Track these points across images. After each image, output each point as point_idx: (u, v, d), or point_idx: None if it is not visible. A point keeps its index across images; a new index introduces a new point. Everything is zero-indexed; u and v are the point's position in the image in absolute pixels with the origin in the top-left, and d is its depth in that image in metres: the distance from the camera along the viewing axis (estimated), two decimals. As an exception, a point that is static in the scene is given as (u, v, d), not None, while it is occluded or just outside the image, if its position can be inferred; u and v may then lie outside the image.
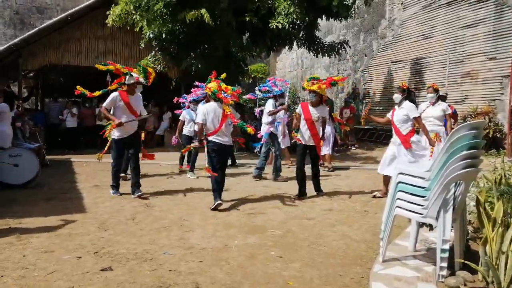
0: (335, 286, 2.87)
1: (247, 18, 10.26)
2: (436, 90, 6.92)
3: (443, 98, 7.25)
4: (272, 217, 4.73)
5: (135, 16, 10.17)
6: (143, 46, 11.42)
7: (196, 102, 7.72)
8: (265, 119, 7.42)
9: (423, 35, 12.94)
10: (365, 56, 15.88)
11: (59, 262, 3.24)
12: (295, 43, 12.06)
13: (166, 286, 2.85)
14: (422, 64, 13.05)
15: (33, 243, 3.68)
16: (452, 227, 2.98)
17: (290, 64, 21.35)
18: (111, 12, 10.45)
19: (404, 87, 5.63)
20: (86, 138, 12.74)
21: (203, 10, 9.47)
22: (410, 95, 5.69)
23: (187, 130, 7.91)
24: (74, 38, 12.33)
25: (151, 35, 10.67)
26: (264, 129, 7.35)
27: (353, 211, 5.07)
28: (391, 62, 14.42)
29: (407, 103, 5.52)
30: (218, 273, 3.08)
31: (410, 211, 3.10)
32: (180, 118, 8.11)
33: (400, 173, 3.24)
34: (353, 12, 11.59)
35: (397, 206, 3.19)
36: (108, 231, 4.13)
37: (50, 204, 5.23)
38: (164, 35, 10.51)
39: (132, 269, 3.15)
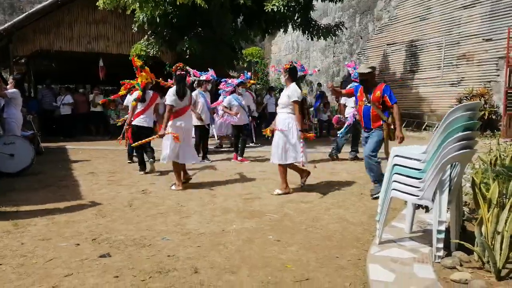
0: (332, 268, 2.90)
1: (241, 1, 10.11)
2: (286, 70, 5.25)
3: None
4: (269, 202, 4.75)
5: (126, -2, 9.99)
6: (136, 30, 11.26)
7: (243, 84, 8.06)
8: (350, 103, 7.48)
9: (419, 16, 12.84)
10: (361, 38, 15.77)
11: (57, 249, 3.25)
12: (290, 26, 11.93)
13: (165, 271, 2.87)
14: (418, 46, 12.99)
15: (31, 231, 3.67)
16: (448, 208, 3.00)
17: (286, 48, 21.18)
18: (102, -5, 10.25)
19: (286, 68, 5.14)
20: (81, 124, 12.67)
21: (195, -7, 9.31)
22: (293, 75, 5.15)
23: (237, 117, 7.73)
24: (65, 23, 12.13)
25: (144, 19, 10.50)
26: (349, 113, 7.58)
27: (350, 194, 5.11)
28: (387, 45, 14.34)
29: (292, 85, 5.04)
30: (217, 258, 3.10)
31: (406, 193, 3.12)
32: (225, 104, 7.87)
33: (396, 155, 3.24)
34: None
35: (393, 189, 3.20)
36: (106, 217, 4.13)
37: (46, 192, 5.21)
38: (157, 19, 10.35)
39: (131, 255, 3.16)
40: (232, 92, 8.03)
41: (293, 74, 5.14)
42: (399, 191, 3.16)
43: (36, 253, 3.16)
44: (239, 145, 7.75)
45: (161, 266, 2.95)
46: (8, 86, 6.86)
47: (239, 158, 7.68)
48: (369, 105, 4.80)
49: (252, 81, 11.19)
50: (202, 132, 7.63)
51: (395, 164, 3.22)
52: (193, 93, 7.68)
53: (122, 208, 4.51)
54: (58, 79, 16.08)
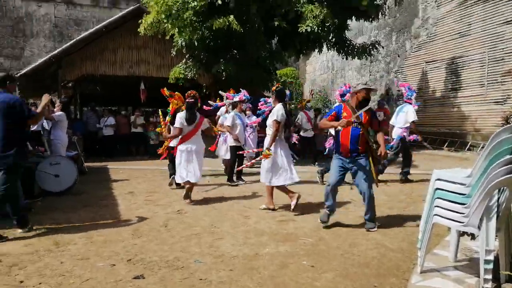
0: (370, 298, 2.76)
1: (276, 23, 10.25)
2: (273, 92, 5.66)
3: None
4: (304, 224, 4.64)
5: (166, 24, 10.41)
6: (174, 54, 11.66)
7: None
8: (401, 123, 7.46)
9: (459, 33, 12.45)
10: (398, 56, 15.47)
11: (94, 269, 3.31)
12: (324, 46, 11.92)
13: (197, 295, 2.85)
14: (459, 63, 12.54)
15: (70, 250, 3.78)
16: (496, 236, 2.80)
17: (320, 67, 21.15)
18: (143, 21, 10.75)
19: (273, 90, 5.45)
20: (122, 145, 13.14)
21: (231, 18, 9.55)
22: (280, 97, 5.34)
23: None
24: (109, 49, 12.78)
25: (182, 43, 10.88)
26: (398, 133, 7.47)
27: (389, 218, 4.90)
28: (426, 62, 13.97)
29: (277, 106, 5.27)
30: (249, 283, 3.04)
31: (449, 219, 2.94)
32: (228, 124, 7.83)
33: (438, 179, 3.08)
34: (384, 12, 11.32)
35: (435, 214, 3.04)
36: (142, 238, 4.19)
37: (87, 211, 5.38)
38: (195, 43, 10.70)
39: (164, 277, 3.16)
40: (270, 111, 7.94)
41: (280, 95, 5.36)
42: (441, 216, 2.99)
43: (74, 272, 3.24)
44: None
45: (193, 289, 2.93)
46: (55, 109, 7.26)
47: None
48: (359, 127, 4.42)
49: (306, 100, 11.31)
50: (237, 153, 7.65)
51: (437, 188, 3.06)
52: (229, 115, 7.79)
53: (157, 228, 4.56)
54: (102, 102, 16.87)
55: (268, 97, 8.86)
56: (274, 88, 5.54)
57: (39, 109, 4.65)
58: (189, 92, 5.99)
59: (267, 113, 7.89)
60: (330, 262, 3.46)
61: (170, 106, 6.84)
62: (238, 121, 7.80)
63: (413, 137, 7.53)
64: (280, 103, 5.30)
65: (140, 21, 10.93)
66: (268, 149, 5.16)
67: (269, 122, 5.29)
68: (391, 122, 7.91)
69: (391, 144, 7.46)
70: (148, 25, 10.74)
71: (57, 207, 5.60)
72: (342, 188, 6.51)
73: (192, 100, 5.88)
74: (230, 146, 7.71)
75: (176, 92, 6.98)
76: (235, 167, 7.61)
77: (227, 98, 8.27)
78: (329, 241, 4.02)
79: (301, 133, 10.53)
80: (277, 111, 5.19)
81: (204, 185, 7.35)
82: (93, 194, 6.54)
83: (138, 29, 10.95)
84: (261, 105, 8.30)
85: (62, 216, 5.07)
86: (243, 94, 8.06)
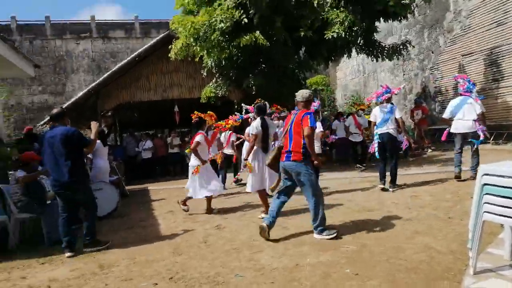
0: (420, 305, 2.59)
1: (302, 33, 10.23)
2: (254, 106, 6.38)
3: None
4: (345, 231, 4.48)
5: (195, 47, 10.67)
6: (205, 74, 11.90)
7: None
8: (468, 114, 6.76)
9: (496, 22, 11.86)
10: (432, 53, 14.95)
11: (137, 289, 3.35)
12: (353, 50, 11.73)
13: (238, 309, 2.79)
14: (499, 53, 11.91)
15: (114, 272, 3.86)
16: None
17: (351, 72, 20.82)
18: (173, 46, 11.08)
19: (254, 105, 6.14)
20: (161, 166, 13.46)
21: (257, 33, 9.65)
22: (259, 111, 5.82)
23: None
24: (143, 76, 13.26)
25: (212, 63, 11.09)
26: (469, 125, 6.76)
27: (435, 219, 4.64)
28: (462, 56, 13.38)
29: (256, 120, 5.79)
30: (291, 294, 2.96)
31: (502, 215, 2.73)
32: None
33: (485, 174, 2.88)
34: (412, 10, 11.00)
35: (485, 211, 2.83)
36: (182, 255, 4.21)
37: (129, 233, 5.51)
38: (223, 62, 10.88)
39: (205, 293, 3.14)
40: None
41: (259, 110, 5.81)
42: (493, 213, 2.78)
43: (118, 293, 3.29)
44: None
45: (234, 304, 2.88)
46: None
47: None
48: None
49: (362, 106, 11.25)
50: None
51: (485, 184, 2.86)
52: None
53: (197, 244, 4.58)
54: (139, 127, 17.49)
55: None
56: (255, 103, 6.13)
57: (92, 136, 5.00)
58: (195, 113, 6.82)
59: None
60: (375, 268, 3.30)
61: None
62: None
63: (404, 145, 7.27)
64: (259, 117, 5.73)
65: (170, 46, 11.29)
66: (245, 159, 5.75)
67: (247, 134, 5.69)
68: (445, 116, 7.23)
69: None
70: (178, 50, 11.05)
71: (101, 230, 5.75)
72: (384, 192, 6.31)
73: (198, 119, 6.66)
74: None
75: (209, 112, 7.26)
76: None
77: (249, 111, 8.33)
78: (372, 247, 3.85)
79: (350, 138, 10.75)
80: (255, 125, 5.66)
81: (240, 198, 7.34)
82: (134, 216, 6.70)
83: (169, 54, 11.31)
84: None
85: (105, 239, 5.20)
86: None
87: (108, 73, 13.17)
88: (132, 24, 22.90)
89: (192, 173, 6.28)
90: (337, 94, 22.05)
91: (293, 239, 4.39)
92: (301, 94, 4.64)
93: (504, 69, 11.76)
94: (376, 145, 6.81)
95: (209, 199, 6.38)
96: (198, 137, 6.32)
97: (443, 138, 7.45)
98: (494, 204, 2.76)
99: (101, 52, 22.21)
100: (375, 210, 5.40)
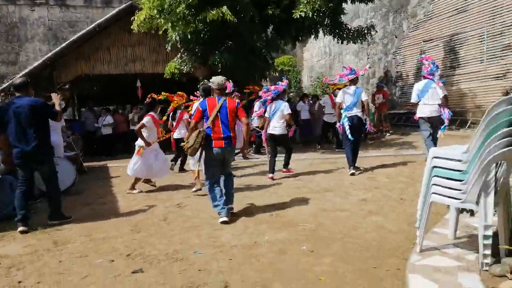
0: (369, 280, 2.73)
1: (270, 11, 10.12)
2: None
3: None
4: (303, 211, 4.61)
5: (159, 20, 10.30)
6: (169, 49, 11.56)
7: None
8: (431, 99, 6.81)
9: (457, 9, 12.25)
10: (396, 37, 15.28)
11: (93, 266, 3.30)
12: (320, 31, 11.78)
13: (196, 286, 2.83)
14: (457, 40, 12.37)
15: (69, 249, 3.78)
16: (495, 211, 2.75)
17: (318, 53, 20.96)
18: (136, 18, 10.64)
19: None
20: (121, 143, 13.11)
21: (224, 8, 9.43)
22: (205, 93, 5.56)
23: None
24: (103, 48, 12.69)
25: (177, 37, 10.77)
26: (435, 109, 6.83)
27: (389, 200, 4.86)
28: (424, 41, 13.78)
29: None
30: (249, 271, 3.02)
31: (447, 196, 2.89)
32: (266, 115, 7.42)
33: (435, 157, 3.03)
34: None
35: (432, 192, 2.99)
36: (141, 233, 4.18)
37: (86, 210, 5.38)
38: (189, 36, 10.59)
39: (163, 270, 3.15)
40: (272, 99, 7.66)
41: (204, 91, 5.56)
42: (439, 194, 2.94)
43: (73, 270, 3.23)
44: (286, 155, 7.25)
45: (192, 280, 2.91)
46: None
47: (283, 169, 7.20)
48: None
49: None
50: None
51: (434, 166, 3.01)
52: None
53: (157, 222, 4.55)
54: (99, 101, 16.84)
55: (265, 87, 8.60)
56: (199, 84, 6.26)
57: (57, 108, 4.86)
58: (150, 95, 6.66)
59: (269, 101, 7.73)
60: (330, 246, 3.43)
61: (171, 105, 7.13)
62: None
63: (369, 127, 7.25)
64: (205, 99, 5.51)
65: (132, 18, 10.83)
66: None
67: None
68: (413, 100, 7.16)
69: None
70: (141, 22, 10.63)
71: (58, 207, 5.59)
72: (343, 173, 6.52)
73: (150, 100, 6.58)
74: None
75: (178, 92, 7.32)
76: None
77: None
78: (328, 226, 3.99)
79: (325, 119, 10.64)
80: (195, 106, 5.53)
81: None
82: (93, 193, 6.53)
83: (132, 26, 10.86)
84: (264, 93, 8.16)
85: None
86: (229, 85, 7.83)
87: (65, 43, 12.48)
88: (93, -9, 21.67)
89: (136, 154, 6.21)
90: (303, 76, 22.18)
91: (253, 218, 4.46)
92: (217, 82, 4.72)
93: (461, 56, 12.25)
94: (347, 127, 6.69)
95: (137, 179, 6.37)
96: (146, 119, 6.21)
97: (415, 117, 7.23)
98: (441, 186, 2.92)
99: (59, 20, 20.92)
100: (334, 190, 5.57)
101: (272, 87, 7.58)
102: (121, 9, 12.54)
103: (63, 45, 12.30)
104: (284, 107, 6.80)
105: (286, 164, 7.20)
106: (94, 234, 4.19)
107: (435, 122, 6.83)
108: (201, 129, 4.56)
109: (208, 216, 4.67)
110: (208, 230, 4.13)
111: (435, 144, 6.75)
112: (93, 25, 12.54)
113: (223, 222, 4.29)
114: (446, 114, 6.74)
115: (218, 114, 4.54)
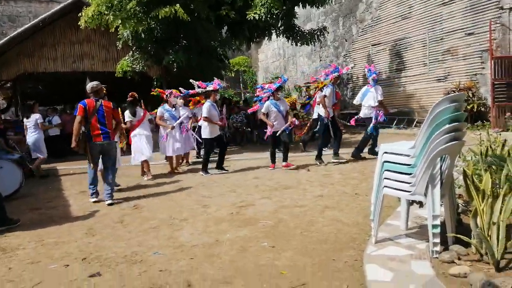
0: (328, 272, 2.83)
1: (224, 12, 10.14)
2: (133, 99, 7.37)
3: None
4: (263, 208, 4.68)
5: (108, 16, 9.95)
6: (120, 47, 11.21)
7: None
8: (369, 101, 7.80)
9: (402, 15, 12.97)
10: (346, 41, 15.88)
11: (46, 272, 3.14)
12: (274, 33, 11.98)
13: (157, 286, 2.78)
14: (403, 45, 13.10)
15: (19, 255, 3.56)
16: (442, 202, 2.96)
17: (272, 55, 21.26)
18: (83, 14, 10.20)
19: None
20: (70, 145, 12.46)
21: (177, 6, 9.30)
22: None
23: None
24: (49, 44, 12.06)
25: (128, 35, 10.47)
26: (370, 113, 7.78)
27: (344, 195, 5.06)
28: (372, 45, 14.44)
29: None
30: (210, 269, 3.02)
31: (398, 189, 3.07)
32: (263, 111, 7.56)
33: (385, 152, 3.20)
34: (330, -1, 11.49)
35: (384, 186, 3.16)
36: (96, 236, 4.03)
37: (35, 214, 5.09)
38: (142, 35, 10.34)
39: (122, 272, 3.06)
40: (268, 98, 7.62)
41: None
42: (391, 188, 3.12)
43: (24, 277, 3.06)
44: (283, 150, 7.53)
45: (152, 281, 2.86)
46: None
47: (283, 163, 7.38)
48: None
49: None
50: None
51: (385, 161, 3.18)
52: (265, 104, 7.54)
53: (113, 225, 4.41)
54: (46, 101, 15.94)
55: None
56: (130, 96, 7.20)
57: None
58: (131, 93, 7.32)
59: (264, 99, 7.72)
60: (290, 241, 3.51)
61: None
62: (274, 108, 7.45)
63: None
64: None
65: (80, 14, 10.37)
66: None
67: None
68: (356, 101, 8.31)
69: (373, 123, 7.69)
70: (89, 18, 10.20)
71: (2, 213, 5.23)
72: (300, 172, 6.66)
73: (132, 98, 7.27)
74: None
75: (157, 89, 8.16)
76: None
77: (199, 87, 8.06)
78: (288, 222, 4.08)
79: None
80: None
81: (162, 177, 7.20)
82: (41, 197, 6.19)
83: (79, 23, 10.40)
84: (259, 91, 8.18)
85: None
86: (217, 83, 7.74)
87: (6, 38, 11.70)
88: (36, -15, 20.47)
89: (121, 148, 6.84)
90: (259, 76, 22.39)
91: (213, 217, 4.45)
92: (90, 86, 5.53)
93: (406, 60, 12.99)
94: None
95: (147, 165, 7.37)
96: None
97: (352, 122, 8.17)
98: (391, 179, 3.10)
99: (-2, 14, 19.59)
100: (292, 187, 5.70)
101: (266, 85, 7.98)
102: (66, 4, 11.99)
103: (3, 41, 11.54)
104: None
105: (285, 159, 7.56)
106: (46, 239, 3.99)
107: (368, 122, 7.79)
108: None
109: (166, 216, 4.60)
110: (167, 231, 4.07)
111: (374, 141, 7.89)
112: (36, 20, 11.87)
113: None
114: (379, 116, 7.73)
115: (98, 114, 5.45)
